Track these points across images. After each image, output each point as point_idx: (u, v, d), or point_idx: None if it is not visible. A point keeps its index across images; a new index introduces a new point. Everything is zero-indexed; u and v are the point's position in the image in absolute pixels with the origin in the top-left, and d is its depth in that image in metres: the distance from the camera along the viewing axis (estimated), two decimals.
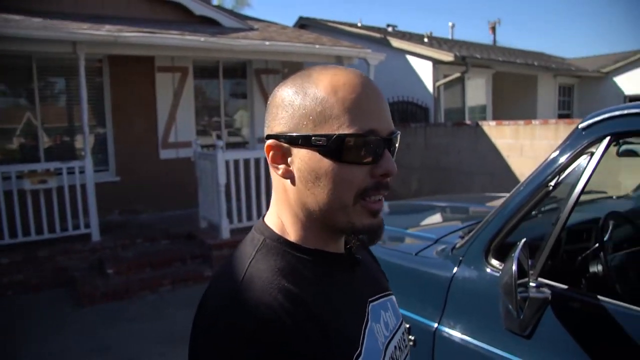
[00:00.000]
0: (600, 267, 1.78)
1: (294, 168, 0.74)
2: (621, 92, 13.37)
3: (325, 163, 0.71)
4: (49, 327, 4.25)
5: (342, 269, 0.81)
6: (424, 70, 10.44)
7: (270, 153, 0.76)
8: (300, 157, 0.73)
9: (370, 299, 0.84)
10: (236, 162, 5.69)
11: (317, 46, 7.18)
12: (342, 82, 0.72)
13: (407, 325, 1.77)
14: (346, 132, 0.70)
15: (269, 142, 0.76)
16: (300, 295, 0.69)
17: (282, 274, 0.71)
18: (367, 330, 0.77)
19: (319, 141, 0.71)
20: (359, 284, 0.83)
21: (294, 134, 0.73)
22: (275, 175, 0.78)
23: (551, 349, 1.41)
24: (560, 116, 13.10)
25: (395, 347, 0.84)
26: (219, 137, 8.01)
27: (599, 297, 1.39)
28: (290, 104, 0.74)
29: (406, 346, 0.89)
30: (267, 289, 0.68)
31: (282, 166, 0.75)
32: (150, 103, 7.35)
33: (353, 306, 0.79)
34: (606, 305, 1.36)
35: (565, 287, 1.48)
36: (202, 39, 6.13)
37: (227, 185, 5.58)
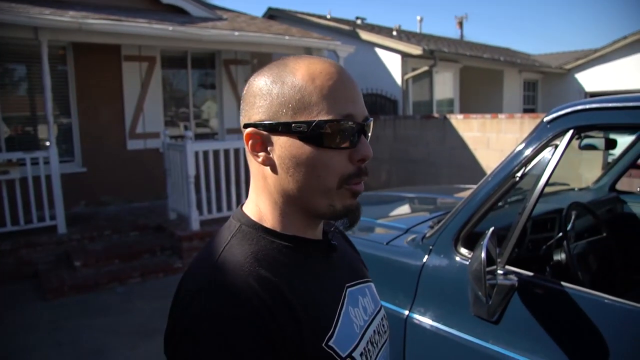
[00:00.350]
0: (563, 255, 1.86)
1: (274, 155, 0.75)
2: (582, 88, 13.78)
3: (307, 149, 0.73)
4: (12, 321, 4.14)
5: (319, 255, 0.83)
6: (393, 63, 10.52)
7: (250, 141, 0.77)
8: (281, 144, 0.74)
9: (348, 284, 0.86)
10: (205, 153, 5.64)
11: (286, 37, 7.15)
12: (319, 70, 0.74)
13: None
14: (325, 118, 0.72)
15: (248, 130, 0.76)
16: (273, 279, 0.71)
17: (255, 258, 0.73)
18: (342, 314, 0.79)
19: (300, 128, 0.73)
20: (336, 269, 0.85)
21: (274, 122, 0.74)
22: (254, 163, 0.79)
23: (518, 333, 1.46)
24: (525, 110, 13.44)
25: (374, 331, 0.86)
26: (187, 127, 7.91)
27: (562, 283, 1.45)
28: (268, 92, 0.75)
29: (385, 331, 0.92)
30: (239, 272, 0.69)
31: (262, 154, 0.76)
32: (116, 93, 7.18)
33: (329, 291, 0.81)
34: (569, 291, 1.42)
35: (531, 274, 1.54)
36: (170, 28, 6.02)
37: (197, 177, 5.53)
